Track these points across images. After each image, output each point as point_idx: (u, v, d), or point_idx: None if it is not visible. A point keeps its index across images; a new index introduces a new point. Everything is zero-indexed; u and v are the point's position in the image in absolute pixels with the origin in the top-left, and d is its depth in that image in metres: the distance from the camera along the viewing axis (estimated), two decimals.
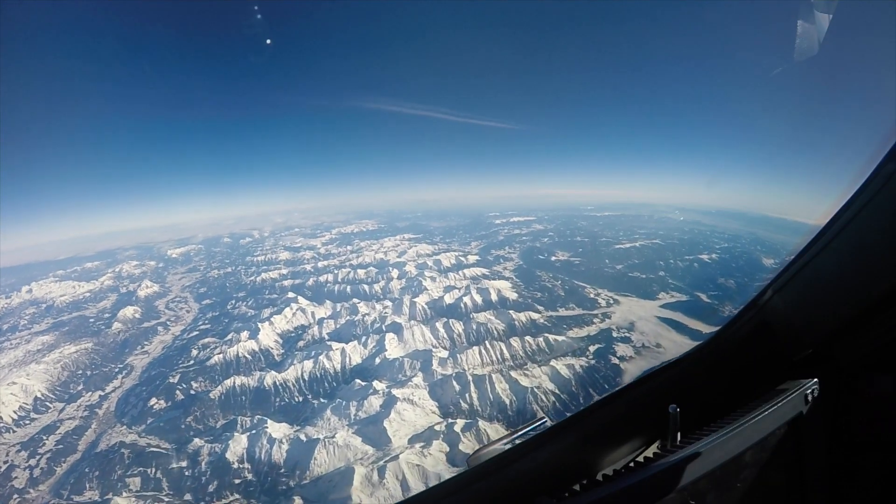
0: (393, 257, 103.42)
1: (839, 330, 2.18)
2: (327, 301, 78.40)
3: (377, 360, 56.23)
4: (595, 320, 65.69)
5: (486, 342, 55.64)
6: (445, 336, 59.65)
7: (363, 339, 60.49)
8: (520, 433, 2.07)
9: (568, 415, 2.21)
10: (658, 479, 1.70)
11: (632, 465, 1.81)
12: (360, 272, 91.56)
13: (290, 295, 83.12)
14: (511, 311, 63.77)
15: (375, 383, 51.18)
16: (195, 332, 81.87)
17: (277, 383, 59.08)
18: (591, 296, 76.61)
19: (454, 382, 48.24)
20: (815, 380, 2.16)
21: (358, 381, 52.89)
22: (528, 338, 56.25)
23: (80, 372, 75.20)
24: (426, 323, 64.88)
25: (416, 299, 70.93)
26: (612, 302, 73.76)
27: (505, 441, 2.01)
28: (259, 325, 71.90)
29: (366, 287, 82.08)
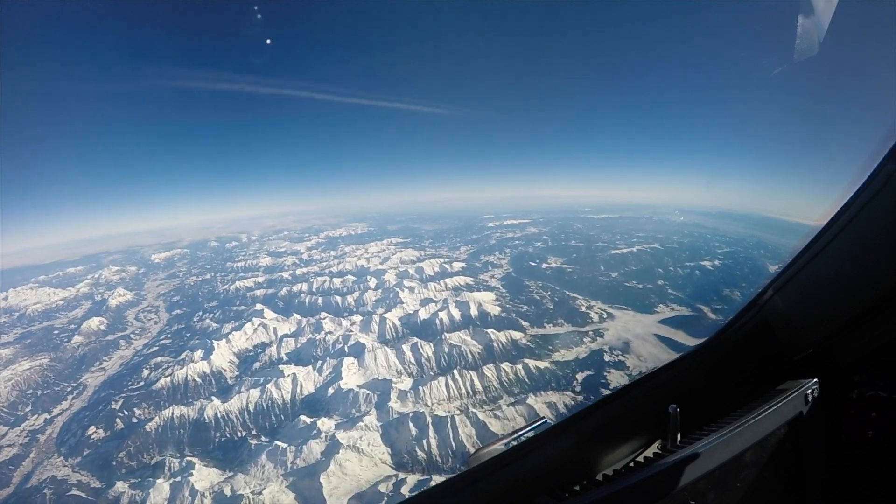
0: (375, 264, 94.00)
1: (839, 330, 2.12)
2: (294, 315, 69.16)
3: (330, 391, 46.82)
4: (585, 339, 55.71)
5: (457, 370, 45.93)
6: (412, 361, 50.05)
7: (319, 363, 51.10)
8: (520, 433, 1.98)
9: (568, 415, 2.08)
10: (658, 479, 1.66)
11: (632, 465, 1.77)
12: (337, 281, 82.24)
13: (258, 307, 74.05)
14: (490, 331, 53.94)
15: (322, 422, 41.83)
16: (155, 348, 73.28)
17: (219, 415, 49.94)
18: (583, 309, 66.57)
19: (411, 424, 38.66)
20: (815, 380, 2.10)
21: (303, 417, 43.56)
22: (505, 364, 46.45)
23: (31, 391, 66.93)
24: (394, 343, 55.35)
25: (387, 315, 61.42)
26: (605, 316, 63.70)
27: (505, 441, 1.93)
28: (215, 343, 62.85)
29: (338, 299, 72.71)
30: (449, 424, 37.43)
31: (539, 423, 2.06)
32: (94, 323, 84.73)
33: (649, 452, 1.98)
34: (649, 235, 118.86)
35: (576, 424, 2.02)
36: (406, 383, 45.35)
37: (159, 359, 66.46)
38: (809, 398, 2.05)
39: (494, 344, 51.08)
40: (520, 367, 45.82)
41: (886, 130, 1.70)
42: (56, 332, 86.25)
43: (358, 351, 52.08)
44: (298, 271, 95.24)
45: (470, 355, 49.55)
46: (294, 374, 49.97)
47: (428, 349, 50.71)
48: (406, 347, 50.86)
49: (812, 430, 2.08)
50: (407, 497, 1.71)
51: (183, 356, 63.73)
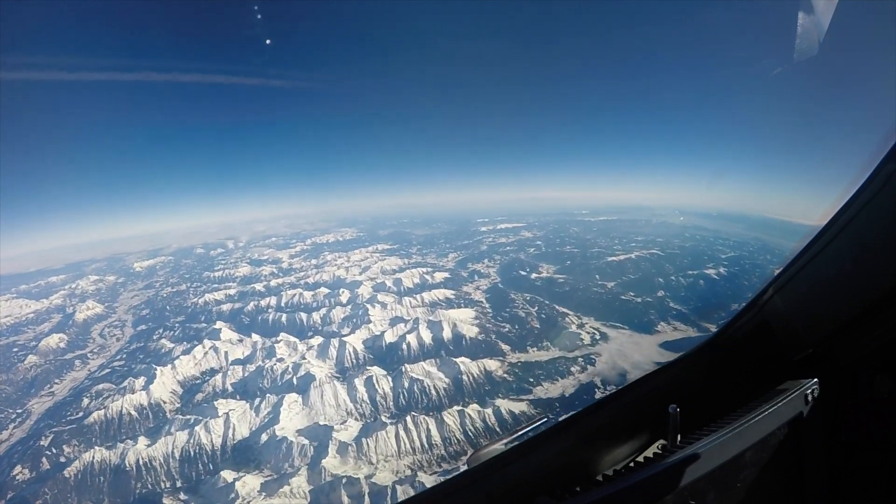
0: (353, 274, 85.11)
1: (839, 330, 2.06)
2: (253, 335, 60.51)
3: (263, 437, 37.92)
4: (574, 368, 46.22)
5: (410, 417, 36.65)
6: (366, 398, 40.94)
7: (258, 400, 42.21)
8: (520, 433, 1.91)
9: (568, 415, 2.05)
10: (658, 479, 1.62)
11: (632, 465, 1.73)
12: (308, 295, 73.48)
13: (217, 326, 65.51)
14: (460, 360, 44.59)
15: (244, 481, 32.97)
16: (107, 370, 65.16)
17: (142, 462, 41.32)
18: (573, 328, 57.03)
19: (343, 494, 29.51)
20: (815, 380, 2.05)
21: (225, 474, 34.71)
22: (472, 408, 37.15)
23: None
24: (353, 373, 46.32)
25: (349, 337, 52.40)
26: (598, 337, 54.13)
27: (505, 441, 1.87)
28: (158, 370, 54.40)
29: (303, 316, 63.86)
30: (389, 497, 28.29)
31: (539, 423, 1.93)
32: (54, 340, 76.73)
33: (649, 452, 1.94)
34: (648, 239, 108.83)
35: (576, 424, 1.96)
36: (351, 430, 36.28)
37: (101, 386, 58.21)
38: (809, 398, 2.00)
39: (464, 377, 41.78)
40: (489, 410, 36.47)
41: (886, 130, 1.63)
42: (15, 349, 78.21)
43: (305, 385, 43.10)
44: (273, 282, 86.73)
45: (434, 392, 40.32)
46: (228, 413, 41.17)
47: (385, 384, 41.56)
48: (359, 382, 41.76)
49: (812, 430, 2.03)
50: (406, 497, 1.62)
51: (125, 383, 55.55)
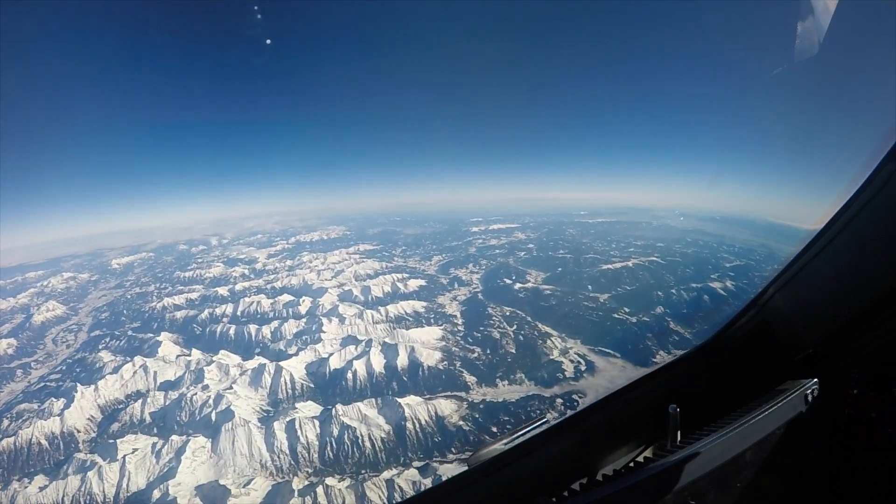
0: (324, 279, 76.93)
1: (839, 330, 2.04)
2: (194, 350, 52.69)
3: (157, 493, 29.94)
4: (550, 414, 37.40)
5: (325, 484, 28.24)
6: (285, 448, 32.64)
7: (161, 443, 34.18)
8: (520, 433, 1.86)
9: (568, 415, 2.03)
10: (658, 479, 1.60)
11: (632, 465, 1.70)
12: (266, 303, 65.47)
13: (161, 337, 57.85)
14: (406, 401, 35.90)
15: None
16: (41, 385, 58.02)
17: None
18: (555, 354, 48.17)
19: None
20: (815, 380, 2.02)
21: None
22: (405, 477, 28.56)
23: None
24: (286, 405, 38.12)
25: (289, 362, 44.06)
26: (582, 368, 45.23)
27: (505, 441, 1.83)
28: (80, 390, 46.87)
29: (253, 329, 55.77)
30: None
31: (539, 422, 1.87)
32: (2, 346, 69.93)
33: (649, 452, 1.93)
34: (648, 244, 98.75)
35: (576, 424, 1.94)
36: (254, 496, 28.07)
37: (24, 406, 50.99)
38: (809, 398, 1.96)
39: (409, 424, 33.19)
40: (429, 481, 27.98)
41: (886, 130, 1.61)
42: None
43: (220, 424, 35.00)
44: (239, 286, 78.84)
45: (368, 444, 31.88)
46: (125, 457, 33.28)
47: (311, 430, 33.19)
48: (280, 427, 33.45)
49: (812, 430, 2.00)
50: (408, 497, 1.60)
51: (46, 404, 48.21)
